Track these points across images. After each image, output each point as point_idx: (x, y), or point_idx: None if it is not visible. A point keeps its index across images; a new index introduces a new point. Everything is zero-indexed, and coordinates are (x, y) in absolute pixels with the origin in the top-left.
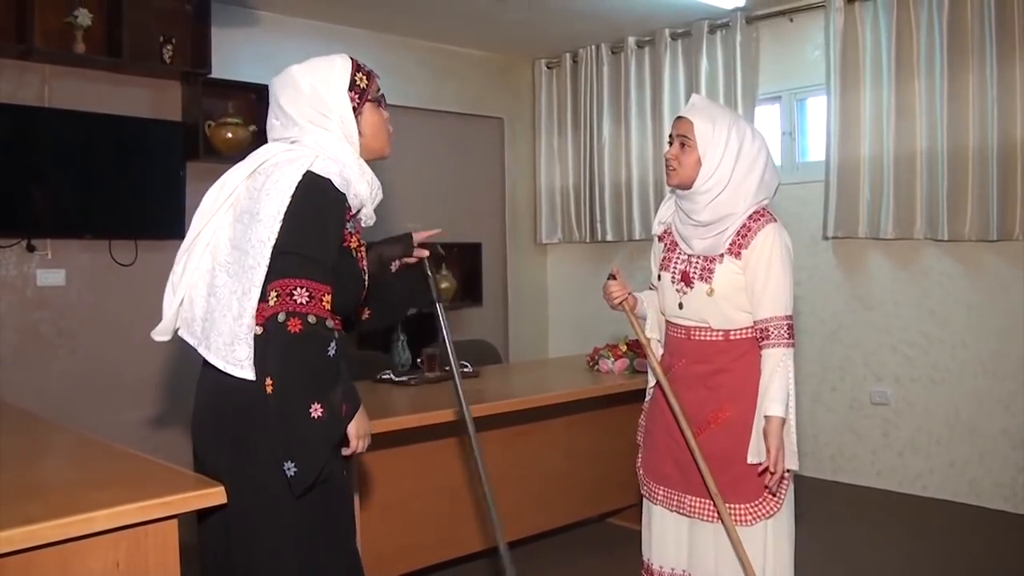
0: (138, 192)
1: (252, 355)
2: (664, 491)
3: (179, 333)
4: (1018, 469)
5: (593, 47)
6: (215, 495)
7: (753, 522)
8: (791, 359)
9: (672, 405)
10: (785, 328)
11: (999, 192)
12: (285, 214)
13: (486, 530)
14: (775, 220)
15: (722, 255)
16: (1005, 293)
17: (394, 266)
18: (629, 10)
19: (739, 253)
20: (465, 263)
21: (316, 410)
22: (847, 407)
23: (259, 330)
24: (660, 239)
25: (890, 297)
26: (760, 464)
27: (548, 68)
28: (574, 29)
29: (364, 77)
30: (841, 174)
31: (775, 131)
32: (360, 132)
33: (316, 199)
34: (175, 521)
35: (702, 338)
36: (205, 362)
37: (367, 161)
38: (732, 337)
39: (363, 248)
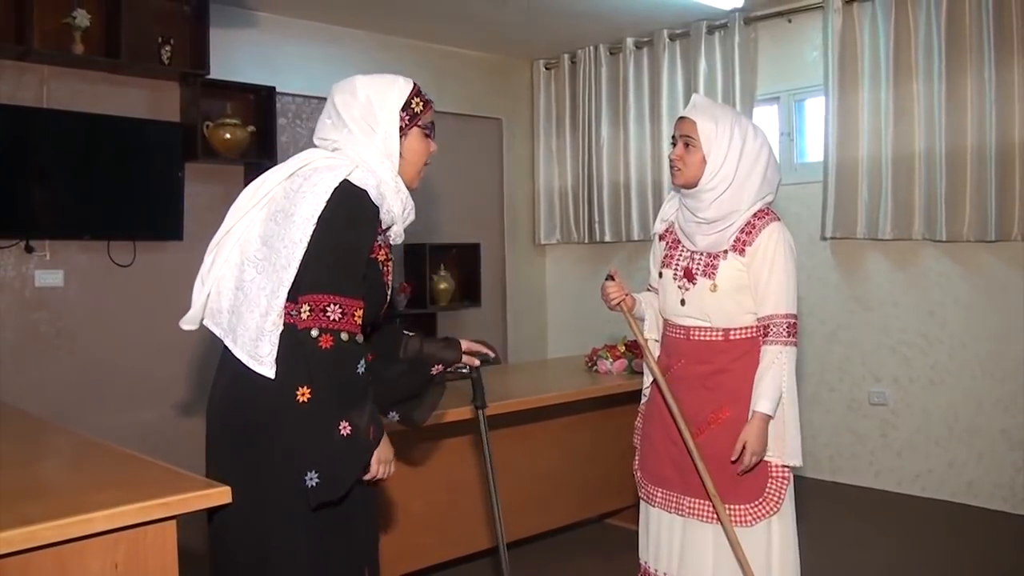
0: (136, 193)
1: (274, 352)
2: (663, 493)
3: (204, 323)
4: (1016, 469)
5: (591, 48)
6: (216, 496)
7: (753, 522)
8: (789, 358)
9: (670, 406)
10: (785, 326)
11: (997, 193)
12: (319, 219)
13: (486, 530)
14: (779, 219)
15: (726, 252)
16: (1003, 293)
17: (436, 369)
18: (627, 11)
19: (743, 250)
20: (463, 264)
21: (344, 428)
22: (846, 408)
23: (315, 332)
24: (661, 237)
25: (888, 298)
26: (765, 463)
27: (547, 69)
28: (572, 30)
29: (421, 103)
30: (839, 175)
31: (773, 132)
32: (401, 154)
33: (351, 208)
34: (174, 522)
35: (701, 338)
36: (224, 354)
37: None
38: (732, 337)
39: (390, 262)
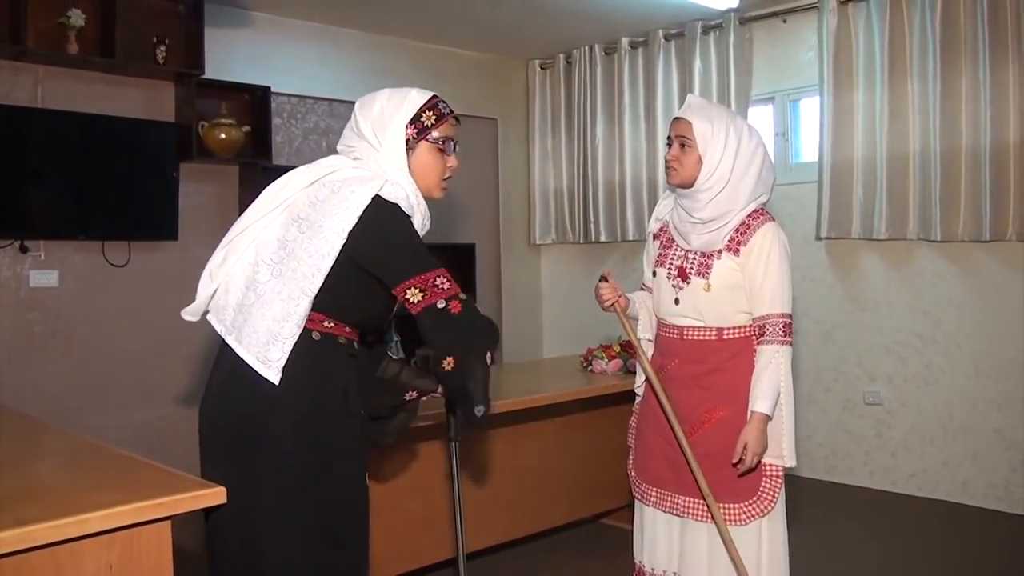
0: (131, 193)
1: (284, 360)
2: (657, 492)
3: (207, 317)
4: (1011, 469)
5: (587, 48)
6: (211, 496)
7: (747, 521)
8: (786, 357)
9: (664, 405)
10: (781, 326)
11: (992, 193)
12: (350, 233)
13: (484, 530)
14: (773, 219)
15: (720, 251)
16: (998, 293)
17: (410, 395)
18: (623, 11)
19: (737, 250)
20: (459, 264)
21: (489, 358)
22: (841, 407)
23: (317, 336)
24: (655, 236)
25: (883, 298)
26: (760, 462)
27: (542, 69)
28: (568, 30)
29: (433, 116)
30: (834, 175)
31: (768, 132)
32: (410, 167)
33: (389, 217)
34: (169, 523)
35: (695, 338)
36: (222, 351)
37: None
38: (726, 336)
39: None
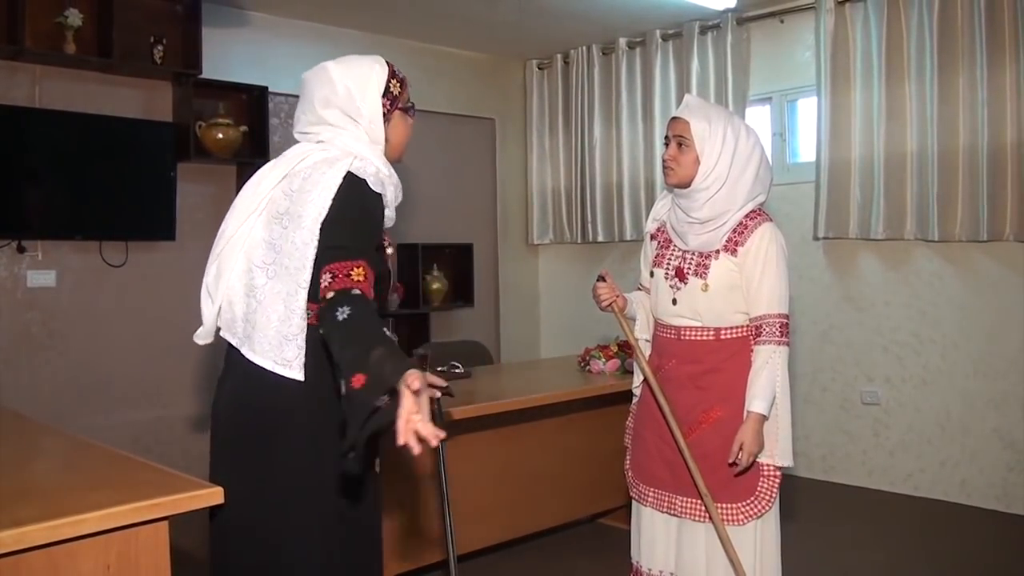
0: (129, 193)
1: (303, 356)
2: (655, 492)
3: (221, 333)
4: (1008, 468)
5: (584, 48)
6: (207, 496)
7: (745, 521)
8: (782, 357)
9: (661, 405)
10: (778, 326)
11: (989, 193)
12: (327, 217)
13: (483, 529)
14: (771, 220)
15: (718, 251)
16: (995, 293)
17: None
18: (620, 11)
19: (735, 250)
20: (456, 264)
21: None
22: (838, 407)
23: (306, 331)
24: (653, 236)
25: (881, 297)
26: (756, 462)
27: (539, 69)
28: (565, 30)
29: (398, 84)
30: (832, 175)
31: (766, 132)
32: (386, 138)
33: (358, 200)
34: (166, 523)
35: (693, 338)
36: (230, 355)
37: None
38: (723, 337)
39: (391, 248)
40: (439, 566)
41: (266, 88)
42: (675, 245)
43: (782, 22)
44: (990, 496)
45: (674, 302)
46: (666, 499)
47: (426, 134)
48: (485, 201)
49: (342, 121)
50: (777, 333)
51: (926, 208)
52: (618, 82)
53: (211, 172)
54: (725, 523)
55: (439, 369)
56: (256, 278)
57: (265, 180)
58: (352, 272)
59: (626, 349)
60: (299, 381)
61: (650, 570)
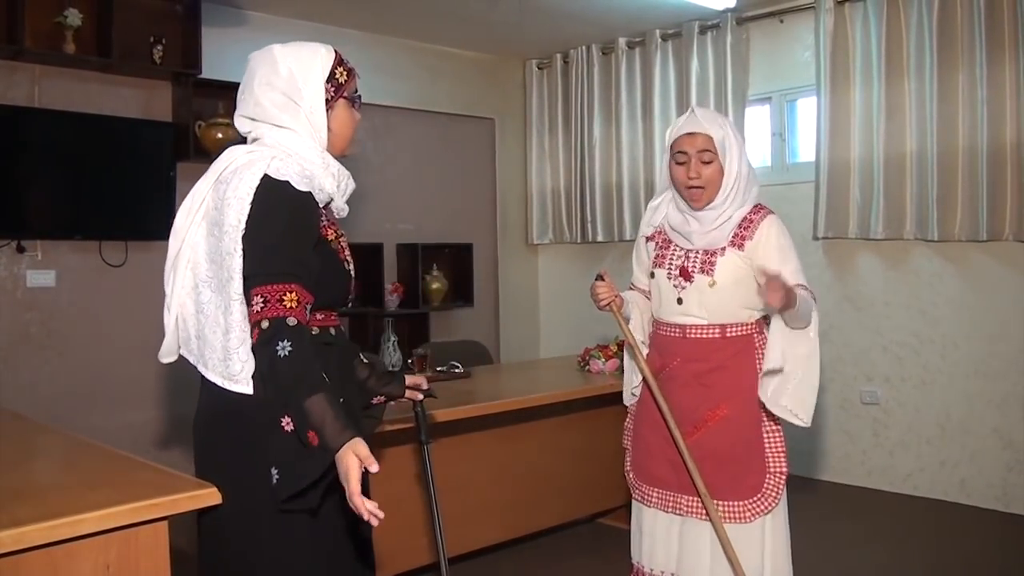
0: (128, 193)
1: (249, 368)
2: (659, 493)
3: (181, 352)
4: (1008, 468)
5: (584, 48)
6: (206, 496)
7: (752, 518)
8: (815, 308)
9: (660, 405)
10: (809, 292)
11: (988, 192)
12: (250, 228)
13: (479, 530)
14: (773, 212)
15: (724, 248)
16: (995, 293)
17: (377, 400)
18: (620, 11)
19: (742, 245)
20: (456, 264)
21: (287, 424)
22: (838, 407)
23: (249, 343)
24: (650, 239)
25: (880, 297)
26: (773, 457)
27: (539, 69)
28: (565, 30)
29: (345, 73)
30: (831, 175)
31: (765, 132)
32: (328, 127)
33: (278, 205)
34: (166, 523)
35: (698, 336)
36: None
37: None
38: (728, 334)
39: (343, 239)
40: (434, 567)
41: None
42: (676, 245)
43: (782, 22)
44: (990, 496)
45: (679, 301)
46: (671, 499)
47: (426, 134)
48: (485, 201)
49: (282, 104)
50: (811, 292)
51: (926, 208)
52: (618, 82)
53: None
54: (732, 521)
55: (439, 369)
56: (202, 294)
57: (198, 190)
58: (284, 298)
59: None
60: (249, 395)
61: (651, 570)
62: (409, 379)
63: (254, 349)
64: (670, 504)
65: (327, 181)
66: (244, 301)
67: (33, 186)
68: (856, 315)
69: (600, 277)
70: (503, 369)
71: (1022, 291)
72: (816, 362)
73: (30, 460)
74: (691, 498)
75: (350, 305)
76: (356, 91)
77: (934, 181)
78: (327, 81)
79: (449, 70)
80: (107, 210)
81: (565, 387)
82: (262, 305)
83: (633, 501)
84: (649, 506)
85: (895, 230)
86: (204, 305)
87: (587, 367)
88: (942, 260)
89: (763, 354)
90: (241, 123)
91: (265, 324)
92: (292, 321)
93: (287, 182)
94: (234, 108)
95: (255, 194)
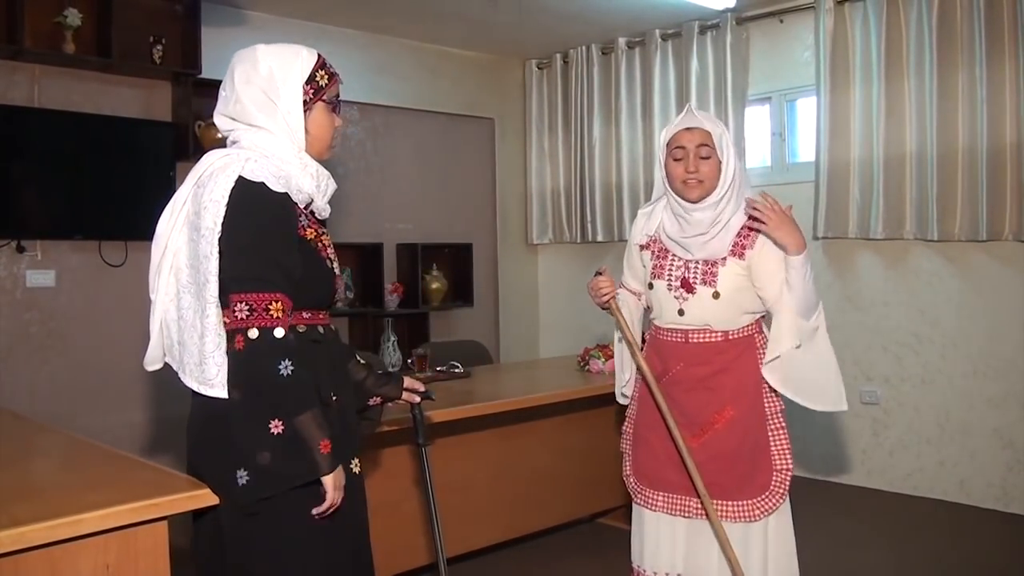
0: (128, 193)
1: (223, 373)
2: (664, 496)
3: (166, 359)
4: (1008, 468)
5: (584, 48)
6: (205, 496)
7: (759, 517)
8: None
9: (660, 406)
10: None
11: (988, 192)
12: (227, 231)
13: (478, 531)
14: None
15: (724, 259)
16: (995, 293)
17: (374, 402)
18: (619, 11)
19: (743, 254)
20: (456, 264)
21: (276, 426)
22: None
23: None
24: (645, 247)
25: (880, 297)
26: (778, 455)
27: (539, 69)
28: (565, 30)
29: (326, 76)
30: (831, 175)
31: (765, 132)
32: (306, 129)
33: (254, 208)
34: (165, 523)
35: (701, 340)
36: None
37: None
38: (731, 337)
39: (324, 238)
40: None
41: None
42: (674, 255)
43: (781, 22)
44: (989, 496)
45: (681, 312)
46: (679, 502)
47: (426, 134)
48: (484, 201)
49: (260, 102)
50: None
51: (925, 207)
52: (617, 82)
53: None
54: (739, 520)
55: (439, 369)
56: (183, 300)
57: (179, 195)
58: (271, 307)
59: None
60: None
61: (656, 573)
62: (406, 381)
63: (241, 356)
64: (678, 508)
65: (305, 182)
66: (219, 304)
67: (33, 186)
68: (856, 315)
69: (600, 273)
70: (503, 369)
71: (1022, 291)
72: (833, 359)
73: (30, 460)
74: (699, 500)
75: (339, 304)
76: (337, 96)
77: (934, 181)
78: (306, 83)
79: (449, 70)
80: (107, 210)
81: (565, 387)
82: (247, 313)
83: (634, 505)
84: (654, 510)
85: (895, 230)
86: (184, 311)
87: (587, 367)
88: (942, 260)
89: (764, 353)
90: (221, 121)
91: (254, 334)
92: (280, 332)
93: (263, 183)
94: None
95: (230, 196)
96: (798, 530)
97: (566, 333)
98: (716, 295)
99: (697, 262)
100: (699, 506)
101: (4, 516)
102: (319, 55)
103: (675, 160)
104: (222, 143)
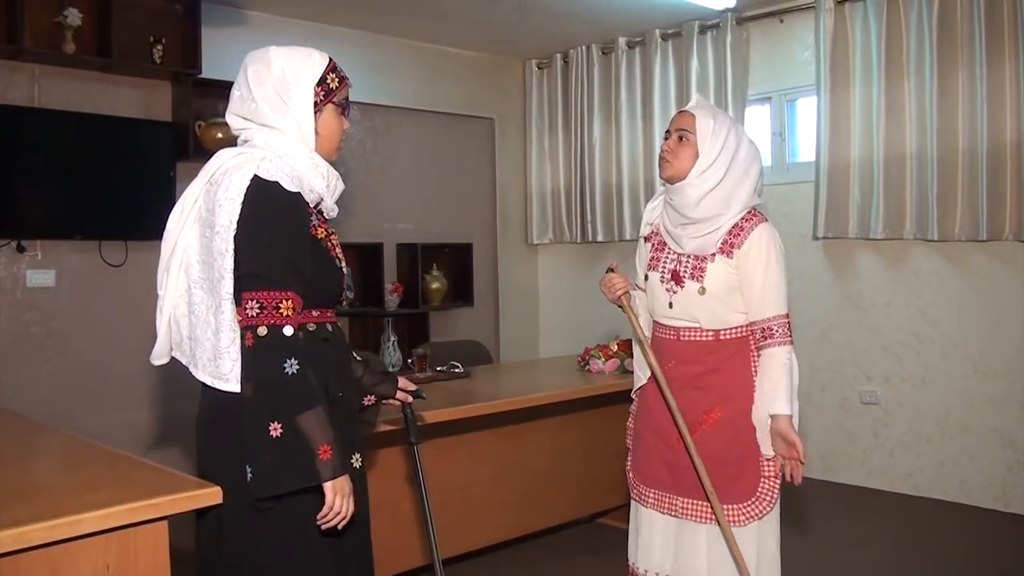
0: (128, 193)
1: (238, 368)
2: (655, 494)
3: (173, 354)
4: (1008, 468)
5: (584, 48)
6: (206, 496)
7: (747, 522)
8: (793, 355)
9: (669, 402)
10: (786, 326)
11: (988, 192)
12: (242, 229)
13: (477, 531)
14: (766, 219)
15: (714, 254)
16: (995, 293)
17: (369, 400)
18: (620, 11)
19: (731, 252)
20: (456, 263)
21: (274, 429)
22: (837, 407)
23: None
24: (647, 239)
25: (880, 297)
26: (769, 461)
27: (539, 68)
28: (565, 30)
29: (336, 79)
30: (831, 175)
31: (765, 132)
32: (316, 131)
33: (269, 207)
34: (165, 523)
35: (692, 339)
36: None
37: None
38: (722, 337)
39: (333, 237)
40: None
41: None
42: (670, 248)
43: (782, 22)
44: (989, 496)
45: (671, 305)
46: (667, 500)
47: (426, 134)
48: (484, 201)
49: (272, 102)
50: (788, 333)
51: (925, 207)
52: (618, 82)
53: None
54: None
55: (438, 369)
56: (195, 295)
57: (190, 193)
58: (281, 305)
59: (625, 349)
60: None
61: (647, 572)
62: (400, 381)
63: (250, 353)
64: (666, 505)
65: (316, 182)
66: (234, 301)
67: (33, 186)
68: (856, 315)
69: (611, 270)
70: (503, 369)
71: (1022, 291)
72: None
73: (30, 460)
74: (687, 500)
75: (344, 304)
76: (347, 99)
77: (934, 181)
78: (317, 84)
79: (449, 70)
80: (107, 210)
81: (565, 387)
82: (258, 311)
83: (631, 501)
84: (646, 506)
85: (895, 230)
86: (195, 306)
87: (587, 367)
88: (942, 260)
89: (758, 356)
90: (233, 121)
91: (263, 331)
92: (289, 331)
93: (277, 183)
94: (222, 113)
95: (246, 195)
96: (799, 530)
97: (566, 333)
98: (702, 290)
99: (688, 256)
100: (686, 506)
101: (4, 516)
102: (330, 58)
103: (665, 139)
104: (222, 143)
